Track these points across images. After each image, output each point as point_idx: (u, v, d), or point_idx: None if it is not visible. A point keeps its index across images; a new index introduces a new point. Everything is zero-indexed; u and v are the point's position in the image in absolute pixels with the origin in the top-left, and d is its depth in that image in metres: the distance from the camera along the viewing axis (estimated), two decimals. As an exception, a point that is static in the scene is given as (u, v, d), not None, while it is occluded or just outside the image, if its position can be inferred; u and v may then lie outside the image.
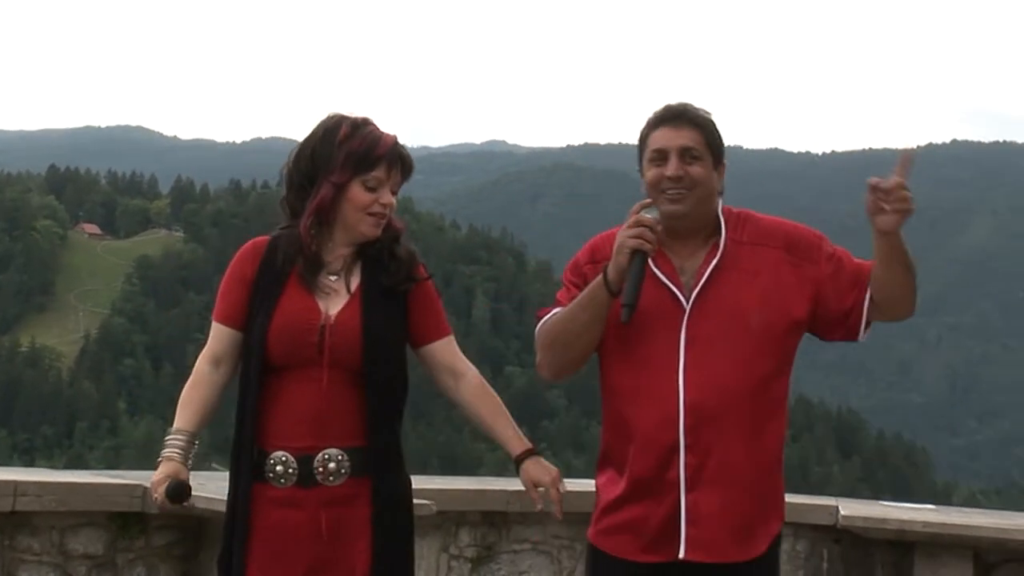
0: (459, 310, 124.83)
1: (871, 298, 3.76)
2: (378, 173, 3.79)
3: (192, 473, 3.82)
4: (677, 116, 3.81)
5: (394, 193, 3.84)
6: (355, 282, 3.84)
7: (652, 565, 3.74)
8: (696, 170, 3.76)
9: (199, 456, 3.88)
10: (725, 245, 3.80)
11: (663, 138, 3.78)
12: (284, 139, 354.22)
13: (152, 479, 3.75)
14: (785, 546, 6.31)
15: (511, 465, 3.98)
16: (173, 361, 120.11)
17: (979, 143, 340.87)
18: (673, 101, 3.86)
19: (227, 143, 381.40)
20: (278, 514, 3.75)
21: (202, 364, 3.87)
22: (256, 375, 3.76)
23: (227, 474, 3.94)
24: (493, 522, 6.43)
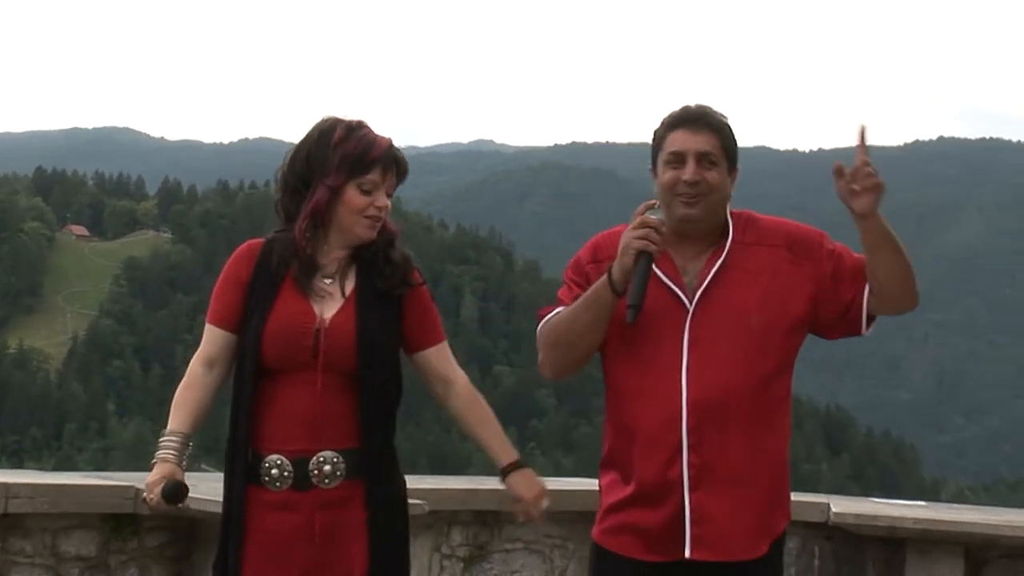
0: (447, 310, 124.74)
1: (870, 290, 3.76)
2: (373, 176, 3.79)
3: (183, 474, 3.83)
4: (696, 119, 3.80)
5: (389, 196, 3.84)
6: (350, 285, 3.84)
7: (658, 564, 3.75)
8: (712, 175, 3.76)
9: (189, 457, 3.88)
10: (730, 246, 3.81)
11: (681, 141, 3.77)
12: (271, 140, 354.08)
13: (147, 480, 3.74)
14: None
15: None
16: (161, 362, 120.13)
17: (966, 140, 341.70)
18: (692, 103, 3.85)
19: (214, 144, 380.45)
20: (273, 517, 3.75)
21: (195, 366, 3.86)
22: (250, 378, 3.76)
23: (217, 475, 3.95)
24: (485, 521, 6.44)
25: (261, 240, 3.90)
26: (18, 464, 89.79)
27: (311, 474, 3.74)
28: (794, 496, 7.06)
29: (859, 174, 3.59)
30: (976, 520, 6.76)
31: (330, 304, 3.81)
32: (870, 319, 3.81)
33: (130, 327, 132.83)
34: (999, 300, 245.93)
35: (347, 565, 3.75)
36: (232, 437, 3.79)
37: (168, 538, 5.69)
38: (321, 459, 3.74)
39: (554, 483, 7.60)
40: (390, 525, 3.81)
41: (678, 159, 3.76)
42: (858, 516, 6.76)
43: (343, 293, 3.82)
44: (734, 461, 3.71)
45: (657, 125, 3.86)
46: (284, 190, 3.86)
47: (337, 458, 3.75)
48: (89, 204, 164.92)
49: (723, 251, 3.80)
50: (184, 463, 3.80)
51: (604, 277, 3.71)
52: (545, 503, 3.97)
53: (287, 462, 3.74)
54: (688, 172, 3.74)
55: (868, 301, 3.78)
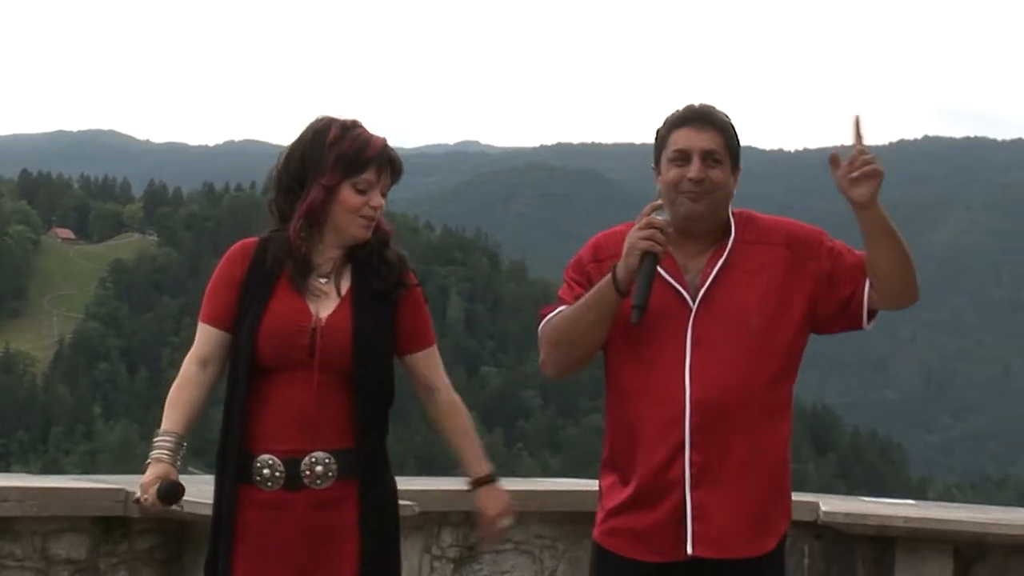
0: (434, 311, 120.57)
1: (871, 284, 3.77)
2: (368, 175, 3.79)
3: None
4: (701, 118, 3.81)
5: (384, 195, 3.84)
6: (345, 285, 3.84)
7: (660, 564, 3.76)
8: (716, 174, 3.77)
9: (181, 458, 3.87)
10: (732, 245, 3.82)
11: (686, 139, 3.78)
12: (257, 142, 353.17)
13: (142, 481, 3.73)
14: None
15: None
16: (148, 365, 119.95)
17: (952, 139, 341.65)
18: (696, 102, 3.86)
19: (200, 146, 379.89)
20: (265, 517, 3.74)
21: (189, 365, 3.85)
22: (244, 376, 3.76)
23: (207, 476, 3.94)
24: (475, 522, 6.42)
25: (255, 239, 3.89)
26: (4, 467, 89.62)
27: (302, 474, 3.73)
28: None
29: (857, 161, 3.60)
30: (965, 519, 6.78)
31: (326, 303, 3.81)
32: (871, 314, 3.82)
33: (116, 330, 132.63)
34: (986, 299, 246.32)
35: (338, 566, 3.75)
36: (224, 436, 3.78)
37: (158, 541, 5.68)
38: (313, 460, 3.74)
39: (543, 484, 7.62)
40: (382, 526, 3.81)
41: (683, 157, 3.77)
42: (848, 515, 6.78)
43: (339, 293, 3.82)
44: (735, 460, 3.72)
45: (660, 124, 3.87)
46: (278, 190, 3.86)
47: (329, 459, 3.74)
48: (74, 207, 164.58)
49: (725, 250, 3.81)
50: (179, 463, 3.79)
51: (608, 277, 3.72)
52: (507, 521, 4.02)
53: (278, 462, 3.74)
54: (693, 170, 3.75)
55: (869, 296, 3.78)
